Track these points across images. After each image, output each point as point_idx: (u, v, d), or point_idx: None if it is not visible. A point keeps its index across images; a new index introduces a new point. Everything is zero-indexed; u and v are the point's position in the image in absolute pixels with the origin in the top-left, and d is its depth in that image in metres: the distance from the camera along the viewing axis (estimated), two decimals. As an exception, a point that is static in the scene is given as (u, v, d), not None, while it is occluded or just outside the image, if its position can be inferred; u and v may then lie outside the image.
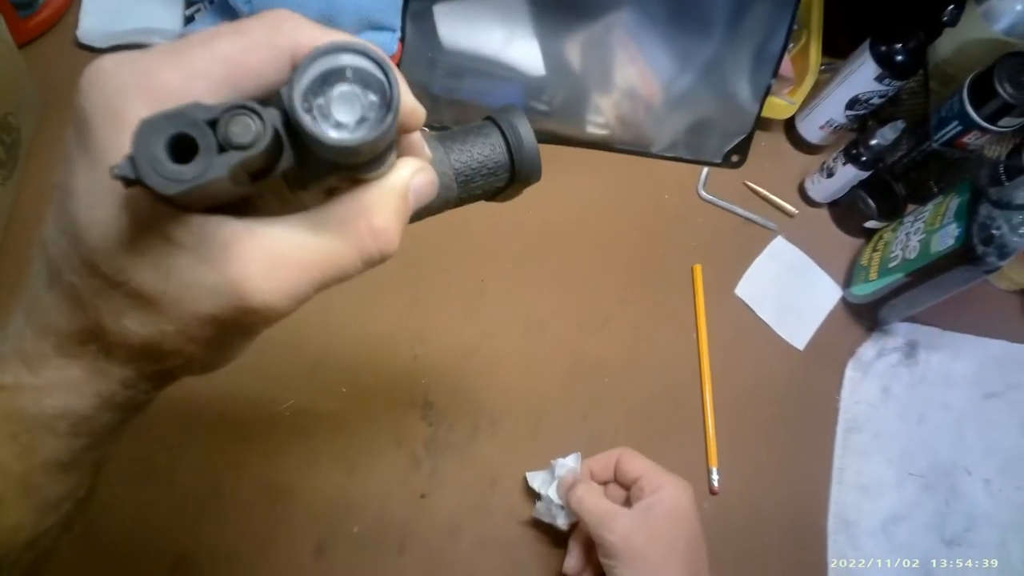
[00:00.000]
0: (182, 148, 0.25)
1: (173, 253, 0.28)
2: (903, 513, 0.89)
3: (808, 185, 1.01)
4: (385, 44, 0.88)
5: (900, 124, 0.89)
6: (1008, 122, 0.85)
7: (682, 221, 0.98)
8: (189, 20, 0.91)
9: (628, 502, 0.72)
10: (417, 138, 0.36)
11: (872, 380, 0.94)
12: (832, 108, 0.97)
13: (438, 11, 0.88)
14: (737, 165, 1.02)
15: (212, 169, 0.25)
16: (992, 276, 0.96)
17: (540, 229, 0.92)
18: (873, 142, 0.91)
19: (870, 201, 0.98)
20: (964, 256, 0.80)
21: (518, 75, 0.91)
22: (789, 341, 0.94)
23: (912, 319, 0.97)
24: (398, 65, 0.88)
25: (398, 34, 0.89)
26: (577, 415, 0.86)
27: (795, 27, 0.91)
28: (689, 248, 0.96)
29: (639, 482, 0.71)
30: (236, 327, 0.31)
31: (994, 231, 0.78)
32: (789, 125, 1.05)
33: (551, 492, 0.76)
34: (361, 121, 0.27)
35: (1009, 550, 0.90)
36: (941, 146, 0.92)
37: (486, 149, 0.46)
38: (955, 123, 0.88)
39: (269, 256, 0.29)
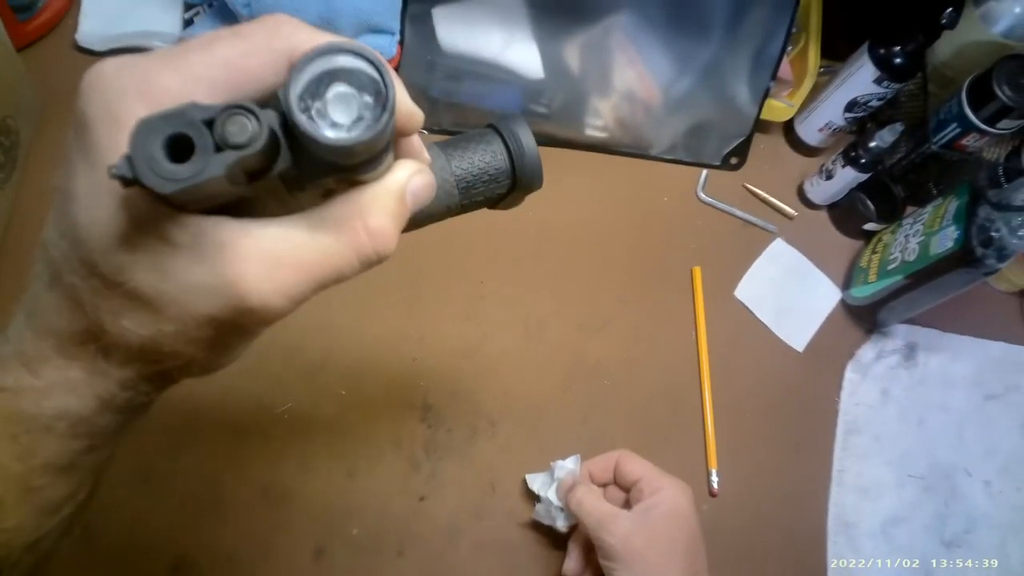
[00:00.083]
0: (179, 148, 0.25)
1: (171, 253, 0.28)
2: (903, 515, 0.89)
3: (807, 187, 1.01)
4: (384, 47, 0.88)
5: (899, 126, 0.89)
6: (1007, 124, 0.85)
7: (681, 223, 0.98)
8: (188, 23, 0.91)
9: (627, 504, 0.72)
10: (415, 141, 0.36)
11: (871, 382, 0.94)
12: (831, 111, 0.97)
13: (437, 14, 0.88)
14: (736, 167, 1.02)
15: (209, 168, 0.25)
16: (991, 278, 0.96)
17: (539, 231, 0.92)
18: (872, 144, 0.91)
19: (869, 203, 0.98)
20: (963, 258, 0.80)
21: (517, 78, 0.91)
22: (788, 343, 0.94)
23: (911, 321, 0.97)
24: (397, 68, 0.89)
25: (397, 37, 0.89)
26: (576, 417, 0.86)
27: (794, 30, 0.91)
28: (688, 250, 0.96)
29: (638, 484, 0.71)
30: (234, 328, 0.31)
31: (993, 233, 0.78)
32: (788, 127, 1.05)
33: (550, 494, 0.76)
34: (357, 121, 0.28)
35: (1009, 552, 0.90)
36: (940, 148, 0.92)
37: (487, 156, 0.46)
38: (954, 125, 0.89)
39: (266, 257, 0.29)
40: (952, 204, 0.84)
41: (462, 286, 0.88)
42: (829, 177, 0.96)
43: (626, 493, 0.74)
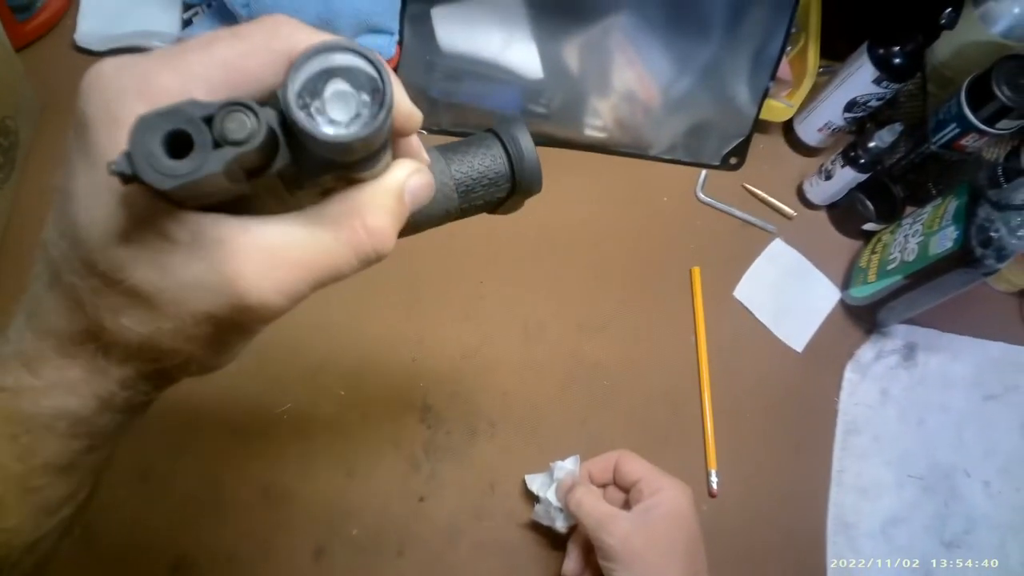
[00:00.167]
0: (178, 145, 0.25)
1: (169, 250, 0.28)
2: (902, 515, 0.89)
3: (806, 187, 1.01)
4: (383, 47, 0.88)
5: (898, 127, 0.89)
6: (1006, 124, 0.85)
7: (680, 224, 0.98)
8: (187, 23, 0.91)
9: (627, 505, 0.72)
10: (414, 141, 0.36)
11: (871, 382, 0.94)
12: (830, 111, 0.97)
13: (436, 14, 0.88)
14: (735, 168, 1.02)
15: (207, 165, 0.25)
16: (990, 278, 0.96)
17: (538, 232, 0.92)
18: (871, 144, 0.91)
19: (868, 203, 0.98)
20: (962, 258, 0.80)
21: (516, 78, 0.91)
22: (788, 343, 0.94)
23: (911, 321, 0.97)
24: (396, 68, 0.89)
25: (396, 37, 0.89)
26: (576, 418, 0.86)
27: (793, 30, 0.91)
28: (688, 250, 0.96)
29: (638, 485, 0.71)
30: (232, 325, 0.31)
31: (992, 233, 0.78)
32: (787, 128, 1.05)
33: (550, 495, 0.76)
34: (355, 118, 0.28)
35: (1008, 552, 0.90)
36: (939, 148, 0.92)
37: (487, 160, 0.47)
38: (953, 125, 0.89)
39: (264, 254, 0.29)
40: (951, 204, 0.84)
41: (462, 287, 0.88)
42: (828, 177, 0.96)
43: (625, 494, 0.74)
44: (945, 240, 0.82)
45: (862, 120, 0.99)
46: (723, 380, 0.90)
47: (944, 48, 0.97)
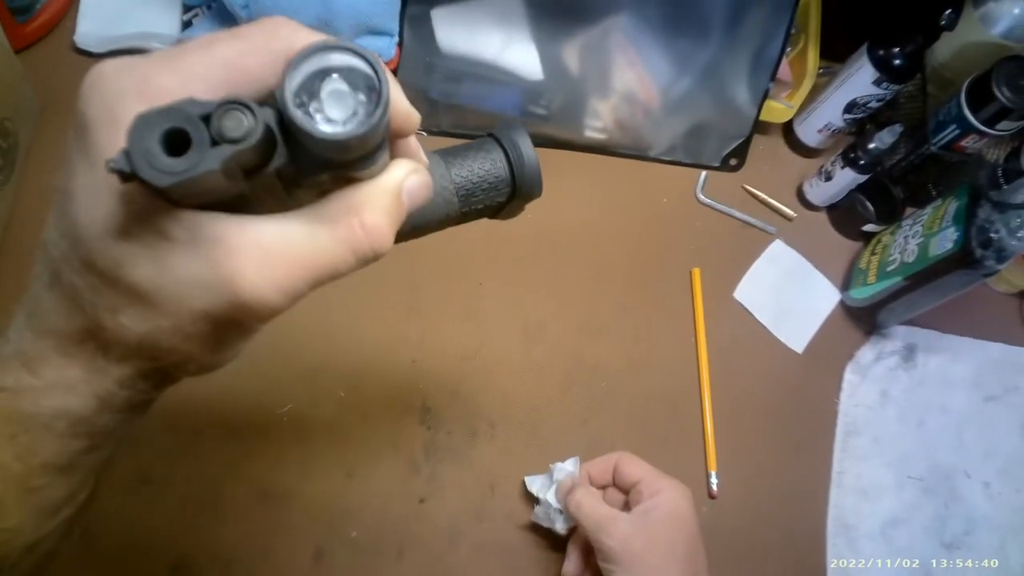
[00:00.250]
0: (177, 143, 0.26)
1: (168, 248, 0.29)
2: (902, 516, 0.89)
3: (806, 189, 1.01)
4: (383, 49, 0.88)
5: (898, 128, 0.89)
6: (1006, 126, 0.85)
7: (680, 225, 0.98)
8: (187, 25, 0.91)
9: (627, 506, 0.72)
10: (412, 143, 0.36)
11: (871, 383, 0.94)
12: (830, 112, 0.97)
13: (436, 15, 0.88)
14: (735, 169, 1.02)
15: (205, 162, 0.26)
16: (990, 279, 0.96)
17: (538, 233, 0.92)
18: (871, 146, 0.91)
19: (868, 205, 0.98)
20: (962, 260, 0.80)
21: (516, 79, 0.91)
22: (788, 344, 0.94)
23: (911, 322, 0.97)
24: (395, 70, 0.89)
25: (396, 39, 0.89)
26: (576, 419, 0.86)
27: (793, 31, 0.91)
28: (688, 252, 0.96)
29: (638, 486, 0.71)
30: (230, 323, 0.31)
31: (992, 234, 0.78)
32: (787, 129, 1.05)
33: (550, 496, 0.76)
34: (352, 117, 0.28)
35: (1008, 553, 0.90)
36: (939, 150, 0.92)
37: (487, 164, 0.47)
38: (953, 127, 0.89)
39: (262, 252, 0.29)
40: (951, 205, 0.84)
41: (461, 288, 0.88)
42: (828, 178, 0.96)
43: (625, 495, 0.74)
44: (945, 241, 0.82)
45: (862, 121, 0.99)
46: (723, 381, 0.90)
47: (944, 49, 0.97)
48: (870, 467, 0.90)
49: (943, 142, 0.91)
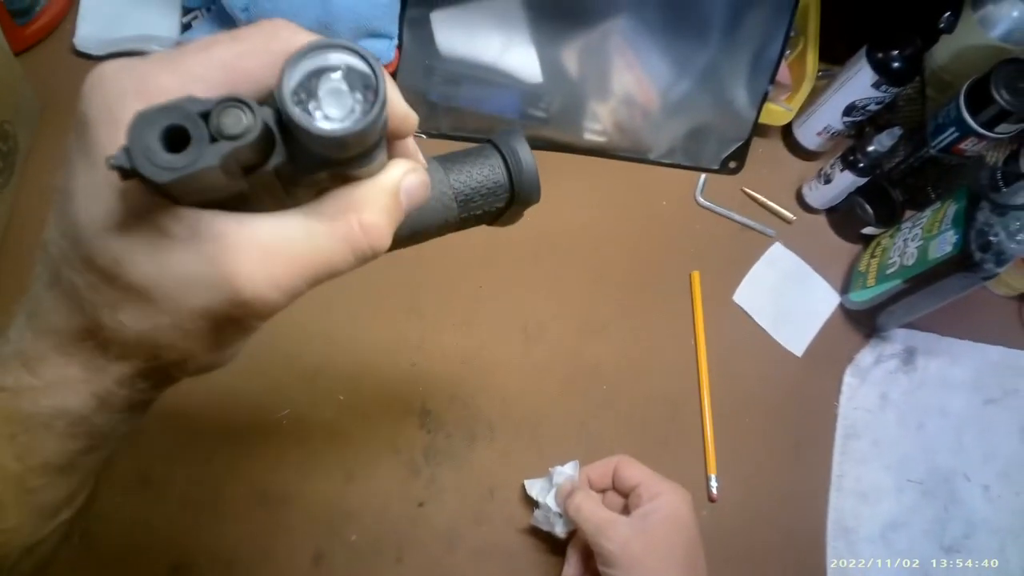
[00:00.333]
0: (176, 139, 0.26)
1: (167, 246, 0.29)
2: (902, 520, 0.89)
3: (806, 191, 1.01)
4: (382, 51, 0.88)
5: (897, 131, 0.89)
6: (1005, 128, 0.85)
7: (680, 228, 0.98)
8: (186, 28, 0.92)
9: (626, 510, 0.72)
10: (410, 144, 0.37)
11: (870, 386, 0.94)
12: (829, 114, 0.97)
13: (435, 18, 0.88)
14: (735, 172, 1.02)
15: (203, 158, 0.26)
16: (990, 282, 0.96)
17: (538, 236, 0.92)
18: (870, 148, 0.91)
19: (868, 207, 0.98)
20: (962, 263, 0.80)
21: (515, 82, 0.91)
22: (787, 348, 0.94)
23: (910, 325, 0.97)
24: (395, 73, 0.89)
25: (395, 41, 0.89)
26: (575, 422, 0.86)
27: (792, 33, 0.91)
28: (687, 255, 0.96)
29: (637, 489, 0.71)
30: (229, 320, 0.31)
31: (992, 237, 0.78)
32: (786, 131, 1.05)
33: (549, 500, 0.76)
34: (349, 113, 0.28)
35: (1008, 556, 0.90)
36: (938, 152, 0.92)
37: (485, 169, 0.47)
38: (952, 129, 0.89)
39: (260, 249, 0.29)
40: (951, 208, 0.84)
41: (461, 291, 0.88)
42: (827, 181, 0.96)
43: (625, 499, 0.74)
44: (944, 244, 0.82)
45: (861, 124, 0.99)
46: (723, 384, 0.90)
47: (943, 52, 0.97)
48: (870, 470, 0.90)
49: (942, 145, 0.91)
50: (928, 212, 0.88)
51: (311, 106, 0.28)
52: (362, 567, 0.76)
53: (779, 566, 0.84)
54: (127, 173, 0.26)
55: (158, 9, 0.92)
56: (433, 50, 0.89)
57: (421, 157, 0.37)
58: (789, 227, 1.01)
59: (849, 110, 0.95)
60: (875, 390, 0.94)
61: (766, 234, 1.00)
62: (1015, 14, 0.89)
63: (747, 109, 0.96)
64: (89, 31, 0.89)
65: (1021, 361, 1.00)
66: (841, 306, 0.98)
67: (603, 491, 0.77)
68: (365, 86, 0.28)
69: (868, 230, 0.99)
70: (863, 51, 0.91)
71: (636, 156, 0.99)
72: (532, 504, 0.79)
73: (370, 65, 0.28)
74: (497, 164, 0.48)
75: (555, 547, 0.79)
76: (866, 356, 0.96)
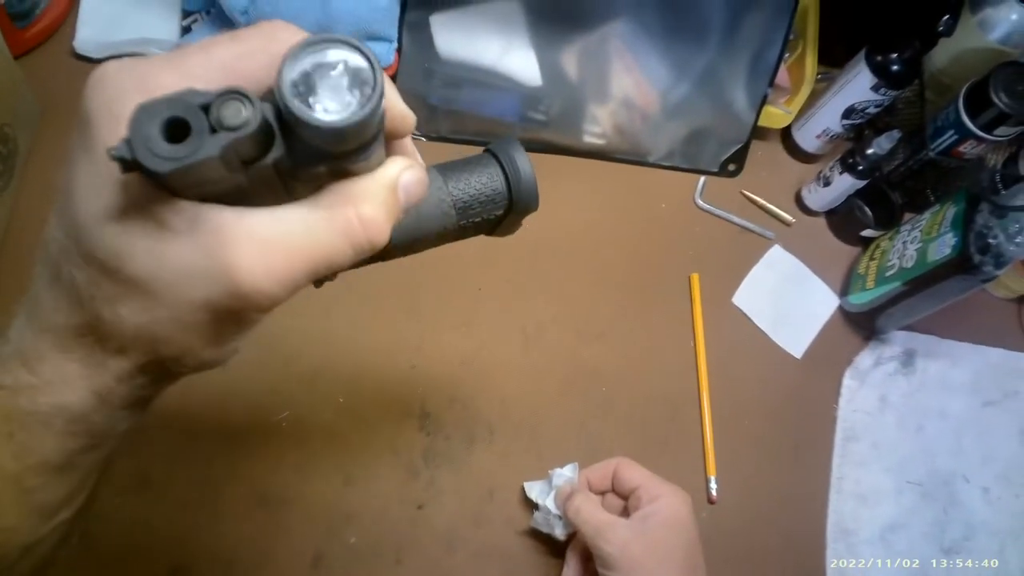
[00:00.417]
0: (177, 131, 0.26)
1: (167, 239, 0.29)
2: (902, 521, 0.89)
3: (805, 194, 1.01)
4: (382, 55, 0.89)
5: (896, 133, 0.89)
6: (1004, 131, 0.85)
7: (679, 230, 0.98)
8: (186, 31, 0.92)
9: (626, 512, 0.72)
10: (408, 144, 0.37)
11: (870, 389, 0.94)
12: (828, 117, 0.97)
13: (435, 21, 0.88)
14: (734, 174, 1.02)
15: (203, 149, 0.26)
16: (989, 285, 0.96)
17: (537, 238, 0.92)
18: (869, 151, 0.91)
19: (867, 210, 0.98)
20: (961, 265, 0.80)
21: (515, 85, 0.91)
22: (787, 350, 0.94)
23: (909, 327, 0.97)
24: (395, 76, 0.89)
25: (395, 45, 0.89)
26: (575, 424, 0.85)
27: (791, 36, 0.91)
28: (686, 257, 0.96)
29: (637, 492, 0.71)
30: (228, 314, 0.31)
31: (991, 240, 0.78)
32: (785, 134, 1.05)
33: (549, 502, 0.76)
34: (347, 106, 0.29)
35: (1008, 558, 0.90)
36: (937, 155, 0.92)
37: (484, 177, 0.48)
38: (951, 132, 0.89)
39: (259, 242, 0.30)
40: (950, 211, 0.84)
41: (460, 293, 0.88)
42: (827, 184, 0.96)
43: (624, 501, 0.74)
44: (943, 247, 0.82)
45: (860, 127, 0.99)
46: (722, 387, 0.90)
47: (942, 55, 0.97)
48: (869, 472, 0.90)
49: (941, 148, 0.91)
50: (927, 215, 0.89)
51: (310, 99, 0.28)
52: (361, 569, 0.76)
53: (779, 568, 0.84)
54: (128, 165, 0.26)
55: (158, 12, 0.92)
56: (433, 53, 0.89)
57: (419, 157, 0.38)
58: (788, 229, 1.01)
59: (848, 113, 0.95)
60: (874, 392, 0.94)
61: (765, 236, 1.00)
62: (1014, 17, 0.89)
63: (746, 112, 0.96)
64: (89, 34, 0.89)
65: (1020, 363, 1.00)
66: (840, 308, 0.98)
67: (603, 493, 0.77)
68: (363, 80, 0.29)
69: (867, 232, 0.99)
70: (862, 54, 0.91)
71: (635, 159, 1.00)
72: (531, 506, 0.79)
73: (368, 59, 0.29)
74: (495, 172, 0.48)
75: (554, 549, 0.79)
76: (865, 358, 0.96)
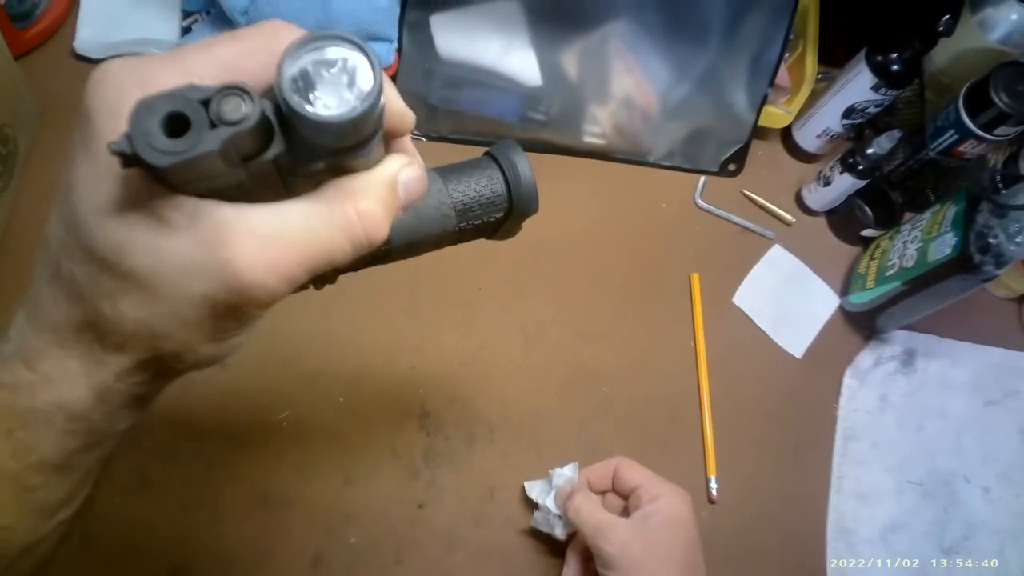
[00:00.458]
0: (177, 126, 0.26)
1: (166, 234, 0.29)
2: (902, 521, 0.89)
3: (805, 194, 1.01)
4: (382, 55, 0.89)
5: (896, 133, 0.89)
6: (1004, 131, 0.85)
7: (680, 230, 0.98)
8: (186, 31, 0.92)
9: (626, 511, 0.72)
10: (407, 143, 0.37)
11: (870, 388, 0.94)
12: (828, 117, 0.97)
13: (435, 22, 0.88)
14: (734, 174, 1.02)
15: (203, 143, 0.26)
16: (989, 284, 0.96)
17: (537, 238, 0.92)
18: (870, 151, 0.91)
19: (867, 209, 0.98)
20: (961, 265, 0.80)
21: (515, 85, 0.91)
22: (787, 349, 0.94)
23: (910, 327, 0.97)
24: (395, 76, 0.89)
25: (395, 45, 0.89)
26: (575, 424, 0.85)
27: (791, 36, 0.91)
28: (687, 257, 0.96)
29: (637, 491, 0.71)
30: (228, 309, 0.31)
31: (991, 240, 0.78)
32: (786, 134, 1.05)
33: (549, 502, 0.76)
34: (346, 101, 0.29)
35: (1008, 558, 0.90)
36: (937, 155, 0.92)
37: (484, 180, 0.48)
38: (951, 132, 0.89)
39: (259, 237, 0.30)
40: (950, 210, 0.84)
41: (460, 293, 0.88)
42: (827, 183, 0.96)
43: (624, 500, 0.74)
44: (944, 246, 0.82)
45: (860, 126, 0.99)
46: (722, 386, 0.90)
47: (942, 55, 0.97)
48: (869, 472, 0.90)
49: (941, 147, 0.91)
50: (927, 214, 0.89)
51: (309, 95, 0.28)
52: (361, 569, 0.76)
53: (779, 567, 0.84)
54: (128, 160, 0.26)
55: (158, 13, 0.92)
56: (433, 53, 0.89)
57: (419, 158, 0.38)
58: (788, 229, 1.01)
59: (848, 113, 0.95)
60: (875, 392, 0.94)
61: (766, 236, 1.00)
62: (1014, 17, 0.89)
63: (746, 112, 0.96)
64: (89, 35, 0.89)
65: (1021, 363, 1.00)
66: (841, 308, 0.98)
67: (603, 493, 0.77)
68: (362, 76, 0.29)
69: (867, 232, 0.99)
70: (862, 54, 0.91)
71: (636, 159, 1.00)
72: (532, 506, 0.79)
73: (367, 55, 0.29)
74: (495, 175, 0.49)
75: (555, 549, 0.79)
76: (866, 358, 0.96)
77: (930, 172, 0.96)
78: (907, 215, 0.98)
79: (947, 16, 0.82)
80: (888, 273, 0.89)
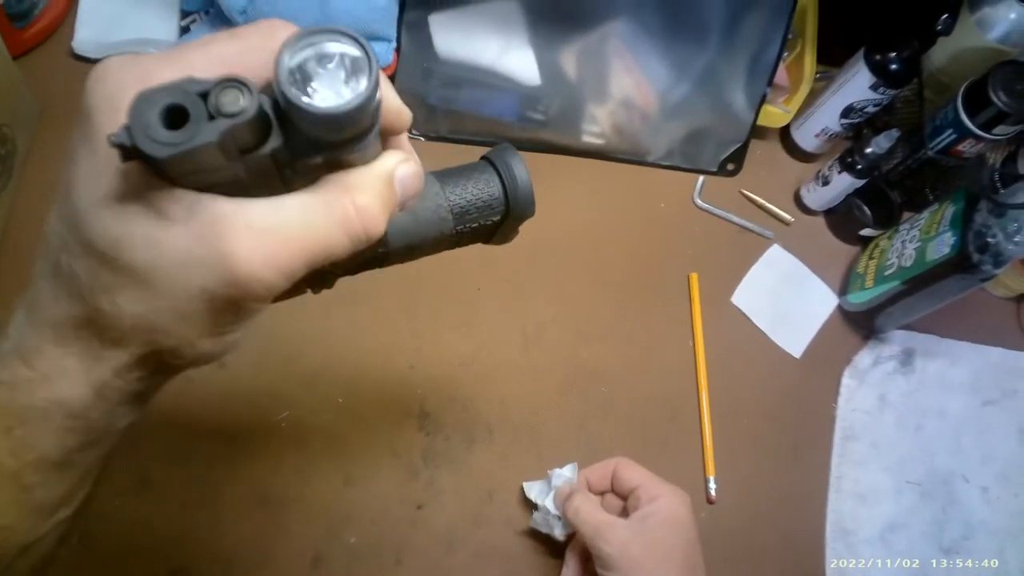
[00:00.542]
0: (176, 119, 0.27)
1: (165, 227, 0.29)
2: (901, 521, 0.89)
3: (804, 193, 1.01)
4: (381, 55, 0.89)
5: (895, 132, 0.89)
6: (1002, 130, 0.85)
7: (678, 230, 0.98)
8: (184, 31, 0.92)
9: (625, 512, 0.72)
10: (404, 141, 0.37)
11: (869, 388, 0.94)
12: (827, 116, 0.97)
13: (433, 21, 0.88)
14: (733, 174, 1.02)
15: (201, 135, 0.27)
16: (988, 284, 0.96)
17: (536, 238, 0.91)
18: (868, 150, 0.91)
19: (866, 209, 0.98)
20: (960, 264, 0.80)
21: (514, 85, 0.91)
22: (786, 349, 0.94)
23: (908, 327, 0.97)
24: (393, 76, 0.89)
25: (393, 44, 0.89)
26: (574, 425, 0.85)
27: (790, 36, 0.91)
28: (685, 256, 0.96)
29: (636, 492, 0.71)
30: (226, 303, 0.31)
31: (989, 239, 0.78)
32: (784, 133, 1.05)
33: (548, 502, 0.76)
34: (343, 93, 0.29)
35: (1007, 558, 0.90)
36: (936, 154, 0.92)
37: (481, 183, 0.49)
38: (950, 131, 0.89)
39: (256, 231, 0.30)
40: (948, 210, 0.84)
41: (459, 293, 0.88)
42: (826, 183, 0.96)
43: (623, 501, 0.74)
44: (942, 246, 0.82)
45: (859, 126, 0.99)
46: (721, 386, 0.90)
47: (940, 54, 0.97)
48: (868, 472, 0.90)
49: (940, 147, 0.91)
50: (926, 214, 0.89)
51: (307, 88, 0.28)
52: (361, 569, 0.76)
53: (778, 568, 0.84)
54: (127, 152, 0.27)
55: (156, 12, 0.92)
56: (431, 53, 0.89)
57: (416, 157, 0.38)
58: (787, 229, 1.01)
59: (847, 112, 0.95)
60: (873, 391, 0.94)
61: (764, 236, 1.00)
62: (1012, 16, 0.89)
63: (745, 111, 0.96)
64: (87, 35, 0.89)
65: (1019, 362, 1.00)
66: (839, 308, 0.98)
67: (602, 493, 0.77)
68: (358, 69, 0.29)
69: (866, 232, 0.99)
70: (861, 53, 0.91)
71: (634, 158, 1.00)
72: (531, 506, 0.79)
73: (363, 48, 0.29)
74: (492, 179, 0.49)
75: (554, 549, 0.79)
76: (864, 358, 0.96)
77: (929, 171, 0.96)
78: (906, 214, 0.98)
79: (946, 15, 0.82)
80: (887, 273, 0.90)
